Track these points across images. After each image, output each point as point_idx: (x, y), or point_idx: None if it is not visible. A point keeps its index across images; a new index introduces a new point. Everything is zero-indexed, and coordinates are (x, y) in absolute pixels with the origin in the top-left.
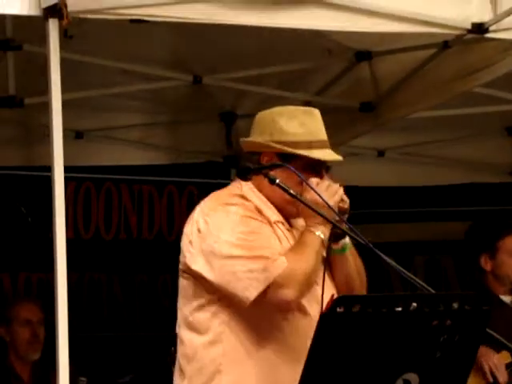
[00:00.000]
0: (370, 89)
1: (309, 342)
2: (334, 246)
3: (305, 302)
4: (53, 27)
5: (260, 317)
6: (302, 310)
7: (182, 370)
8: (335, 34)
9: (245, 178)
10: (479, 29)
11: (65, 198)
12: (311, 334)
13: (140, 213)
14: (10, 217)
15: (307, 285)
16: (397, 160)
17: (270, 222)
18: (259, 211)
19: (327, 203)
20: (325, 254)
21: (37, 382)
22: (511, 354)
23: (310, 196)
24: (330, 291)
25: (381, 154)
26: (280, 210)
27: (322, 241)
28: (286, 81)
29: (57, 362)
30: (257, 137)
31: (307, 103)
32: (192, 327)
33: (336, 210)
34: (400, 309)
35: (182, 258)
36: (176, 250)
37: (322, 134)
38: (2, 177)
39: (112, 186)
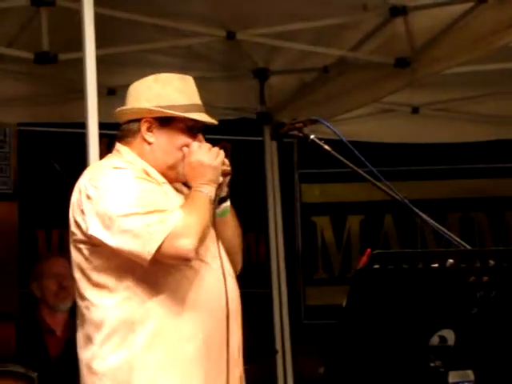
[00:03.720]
0: (405, 44)
1: (217, 296)
2: (216, 210)
3: (205, 256)
4: None
5: (165, 276)
6: (205, 262)
7: (88, 337)
8: None
9: (278, 135)
10: None
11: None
12: (218, 287)
13: None
14: (44, 174)
15: (202, 237)
16: (431, 117)
17: (158, 183)
18: (147, 173)
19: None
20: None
21: (70, 335)
22: None
23: (192, 158)
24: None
25: (415, 110)
26: (162, 174)
27: (210, 199)
28: (320, 36)
29: None
30: (134, 105)
31: (341, 59)
32: (97, 295)
33: (219, 172)
34: (436, 265)
35: (74, 229)
36: None
37: (197, 98)
38: (36, 133)
39: None
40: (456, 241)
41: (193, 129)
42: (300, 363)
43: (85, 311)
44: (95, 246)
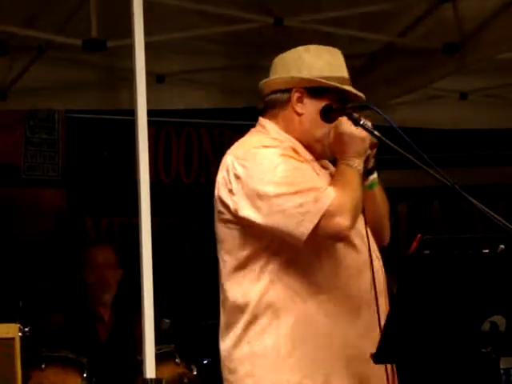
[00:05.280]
0: (454, 30)
1: (361, 278)
2: (364, 182)
3: (353, 238)
4: None
5: (311, 259)
6: (352, 246)
7: (232, 323)
8: None
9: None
10: None
11: None
12: (363, 269)
13: (219, 157)
14: (92, 161)
15: (356, 213)
16: (480, 102)
17: (307, 161)
18: (295, 151)
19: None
20: None
21: (117, 322)
22: None
23: (341, 130)
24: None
25: (463, 96)
26: (308, 149)
27: (360, 173)
28: (369, 22)
29: (142, 304)
30: (283, 75)
31: (389, 45)
32: (241, 280)
33: (367, 144)
34: (487, 251)
35: (222, 208)
36: None
37: (345, 72)
38: (84, 120)
39: (192, 130)
40: (506, 226)
41: (342, 101)
42: None
43: (228, 294)
44: (244, 226)
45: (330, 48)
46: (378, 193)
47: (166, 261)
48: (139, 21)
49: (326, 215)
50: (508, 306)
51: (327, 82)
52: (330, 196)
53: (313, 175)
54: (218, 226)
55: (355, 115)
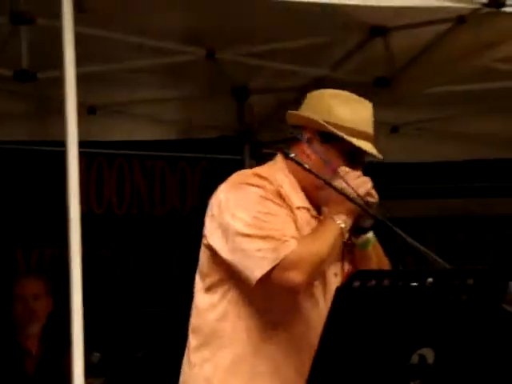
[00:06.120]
0: (384, 64)
1: (314, 331)
2: (355, 240)
3: (318, 292)
4: (67, 1)
5: (269, 300)
6: (314, 300)
7: (189, 341)
8: (349, 8)
9: (255, 155)
10: (495, 3)
11: None
12: (318, 322)
13: (152, 189)
14: (23, 192)
15: (316, 270)
16: (411, 136)
17: (290, 208)
18: (280, 196)
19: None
20: (343, 245)
21: (44, 355)
22: None
23: (337, 184)
24: None
25: (394, 129)
26: (309, 196)
27: (342, 230)
28: (300, 56)
29: (71, 337)
30: (304, 112)
31: (321, 78)
32: (203, 301)
33: (361, 203)
34: (416, 284)
35: (204, 231)
36: (188, 225)
37: (369, 126)
38: (14, 152)
39: (124, 161)
40: (436, 260)
41: (353, 155)
42: None
43: (192, 312)
44: (212, 253)
45: (362, 99)
46: (372, 256)
47: (98, 292)
48: (70, 52)
49: (280, 267)
50: (436, 338)
51: (335, 131)
52: (288, 248)
53: (284, 223)
54: (201, 249)
55: (286, 150)
